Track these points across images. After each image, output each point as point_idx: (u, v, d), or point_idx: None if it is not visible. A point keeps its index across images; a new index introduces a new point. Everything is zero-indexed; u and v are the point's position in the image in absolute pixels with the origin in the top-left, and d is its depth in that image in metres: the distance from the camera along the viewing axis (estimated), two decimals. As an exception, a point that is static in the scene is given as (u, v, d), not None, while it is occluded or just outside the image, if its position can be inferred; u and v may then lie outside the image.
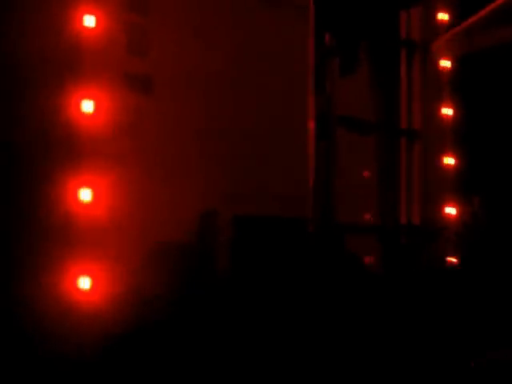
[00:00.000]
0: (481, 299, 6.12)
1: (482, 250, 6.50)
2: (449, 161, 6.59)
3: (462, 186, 6.50)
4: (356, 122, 6.18)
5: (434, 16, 6.74)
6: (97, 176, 4.67)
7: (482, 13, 6.26)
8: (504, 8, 6.25)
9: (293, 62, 5.89)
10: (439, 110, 6.59)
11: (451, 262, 6.28)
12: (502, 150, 6.80)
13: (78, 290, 4.58)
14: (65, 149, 4.61)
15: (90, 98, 4.66)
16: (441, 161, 6.53)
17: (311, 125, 5.82)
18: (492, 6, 6.23)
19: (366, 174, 6.50)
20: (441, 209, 6.53)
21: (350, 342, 5.61)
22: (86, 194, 4.61)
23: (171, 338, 4.95)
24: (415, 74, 6.71)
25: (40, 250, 4.54)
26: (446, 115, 6.58)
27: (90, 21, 4.65)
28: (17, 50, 4.56)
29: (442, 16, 6.75)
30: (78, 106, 4.62)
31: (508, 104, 6.77)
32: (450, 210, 6.56)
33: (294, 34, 5.93)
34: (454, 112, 6.58)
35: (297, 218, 5.96)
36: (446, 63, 6.66)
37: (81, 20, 4.66)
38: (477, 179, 6.64)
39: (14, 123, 4.58)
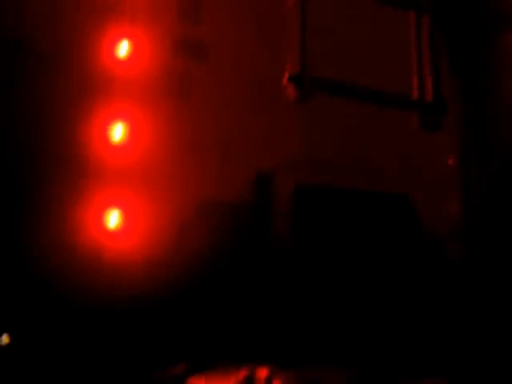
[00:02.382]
0: None
1: None
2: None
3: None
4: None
5: None
6: (134, 118, 4.72)
7: None
8: None
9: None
10: None
11: None
12: None
13: (107, 229, 4.62)
14: (104, 94, 4.74)
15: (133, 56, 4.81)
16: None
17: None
18: None
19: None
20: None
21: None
22: (118, 132, 4.55)
23: (209, 301, 4.72)
24: None
25: (68, 188, 4.62)
26: None
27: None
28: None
29: None
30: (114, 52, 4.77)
31: None
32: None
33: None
34: None
35: (364, 190, 5.72)
36: None
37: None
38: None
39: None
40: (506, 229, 5.94)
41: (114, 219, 4.52)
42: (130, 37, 4.74)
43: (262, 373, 3.39)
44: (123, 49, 4.66)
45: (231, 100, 5.25)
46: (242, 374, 3.41)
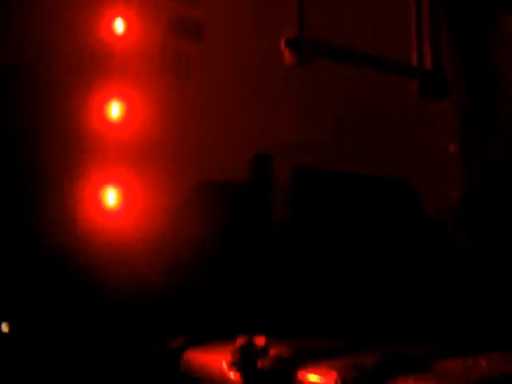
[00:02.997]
0: None
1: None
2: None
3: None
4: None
5: None
6: (131, 97, 4.71)
7: None
8: None
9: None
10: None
11: None
12: None
13: (104, 207, 4.63)
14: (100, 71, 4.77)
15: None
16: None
17: None
18: None
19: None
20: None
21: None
22: (115, 110, 4.54)
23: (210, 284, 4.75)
24: None
25: (66, 166, 4.64)
26: None
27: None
28: None
29: None
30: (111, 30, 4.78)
31: None
32: None
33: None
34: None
35: (363, 174, 5.73)
36: None
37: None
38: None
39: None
40: (507, 215, 5.95)
41: (111, 198, 4.52)
42: (125, 16, 4.76)
43: (259, 341, 3.39)
44: (120, 27, 4.67)
45: (230, 80, 5.25)
46: (239, 342, 3.41)
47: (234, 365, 3.37)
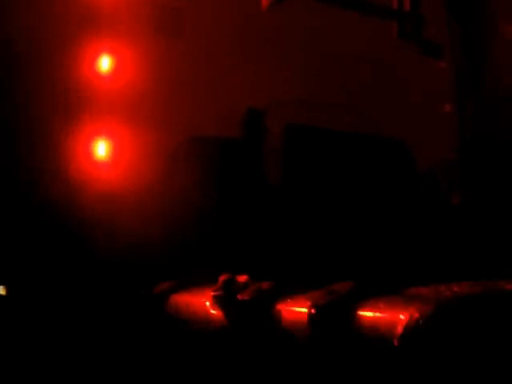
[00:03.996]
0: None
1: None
2: None
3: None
4: None
5: None
6: (122, 51, 4.72)
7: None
8: None
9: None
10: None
11: None
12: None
13: (95, 159, 4.67)
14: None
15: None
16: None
17: None
18: None
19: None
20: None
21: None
22: (106, 64, 4.57)
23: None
24: None
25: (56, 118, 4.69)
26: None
27: None
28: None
29: None
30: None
31: None
32: None
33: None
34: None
35: (359, 133, 5.73)
36: None
37: None
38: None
39: None
40: (501, 174, 5.96)
41: (102, 150, 4.56)
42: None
43: (242, 278, 3.44)
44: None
45: (222, 36, 5.25)
46: (222, 278, 3.45)
47: (216, 300, 3.42)
